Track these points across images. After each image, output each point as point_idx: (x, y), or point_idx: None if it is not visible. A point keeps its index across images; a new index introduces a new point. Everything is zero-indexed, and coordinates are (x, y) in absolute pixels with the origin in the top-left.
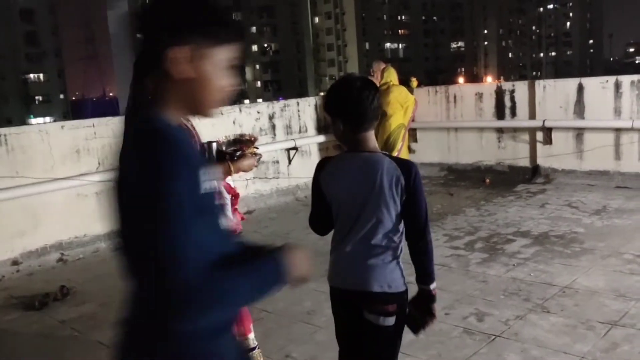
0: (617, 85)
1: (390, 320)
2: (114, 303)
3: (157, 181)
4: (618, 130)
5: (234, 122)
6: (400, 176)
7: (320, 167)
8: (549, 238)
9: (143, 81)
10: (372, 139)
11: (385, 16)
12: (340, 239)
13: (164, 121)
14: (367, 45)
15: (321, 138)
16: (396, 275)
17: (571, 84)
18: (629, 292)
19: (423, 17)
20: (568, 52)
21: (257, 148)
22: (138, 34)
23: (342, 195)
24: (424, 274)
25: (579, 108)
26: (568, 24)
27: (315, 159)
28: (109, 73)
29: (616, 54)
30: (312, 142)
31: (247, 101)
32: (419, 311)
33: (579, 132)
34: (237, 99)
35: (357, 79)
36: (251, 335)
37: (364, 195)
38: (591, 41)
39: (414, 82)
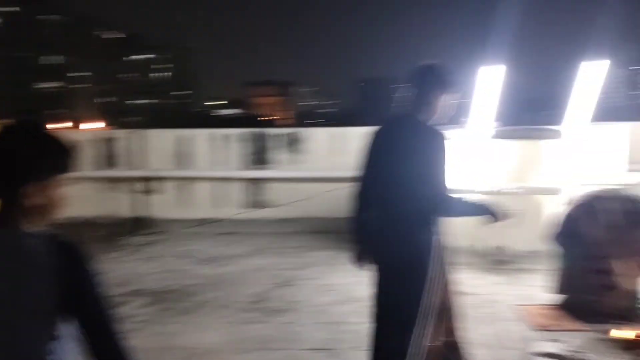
0: (223, 138)
1: None
2: None
3: None
4: (222, 179)
5: None
6: None
7: None
8: (164, 294)
9: None
10: None
11: None
12: None
13: None
14: None
15: None
16: None
17: (178, 134)
18: (248, 343)
19: None
20: (157, 101)
21: None
22: None
23: None
24: None
25: (185, 158)
26: (161, 74)
27: None
28: None
29: (198, 106)
30: None
31: None
32: None
33: (183, 182)
34: None
35: None
36: None
37: None
38: (181, 92)
39: None
